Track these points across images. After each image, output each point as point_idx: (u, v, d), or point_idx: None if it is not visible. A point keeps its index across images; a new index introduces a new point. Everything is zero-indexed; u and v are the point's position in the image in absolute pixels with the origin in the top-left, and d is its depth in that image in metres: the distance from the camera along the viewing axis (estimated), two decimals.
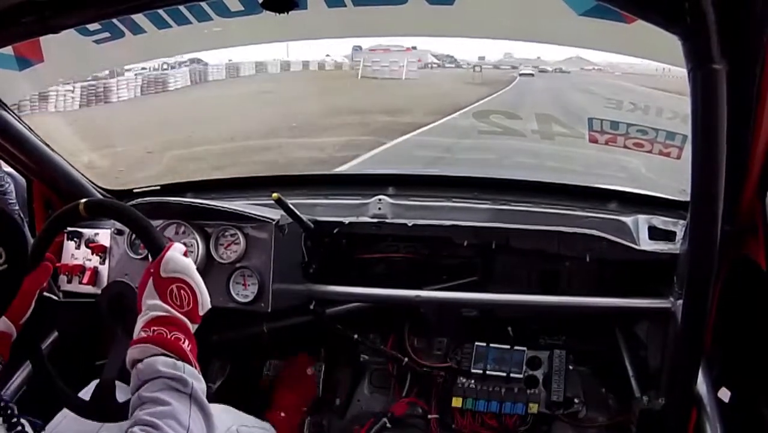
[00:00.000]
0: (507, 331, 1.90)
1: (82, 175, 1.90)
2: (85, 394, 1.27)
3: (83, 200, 1.19)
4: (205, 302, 1.07)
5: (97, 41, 1.53)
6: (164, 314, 1.00)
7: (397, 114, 7.13)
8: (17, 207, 3.16)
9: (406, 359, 1.92)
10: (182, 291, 1.03)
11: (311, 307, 1.77)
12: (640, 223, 1.62)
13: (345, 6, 1.42)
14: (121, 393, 1.26)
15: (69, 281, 1.78)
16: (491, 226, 1.71)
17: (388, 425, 1.91)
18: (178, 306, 1.02)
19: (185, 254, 1.09)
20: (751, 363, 1.38)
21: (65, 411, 1.30)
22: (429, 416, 1.91)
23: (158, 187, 2.04)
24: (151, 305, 1.01)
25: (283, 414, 1.95)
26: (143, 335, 0.98)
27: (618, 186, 1.82)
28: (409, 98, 7.62)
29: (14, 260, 1.03)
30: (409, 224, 1.72)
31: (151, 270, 1.05)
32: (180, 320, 1.01)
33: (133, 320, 1.15)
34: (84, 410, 1.21)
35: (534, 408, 1.78)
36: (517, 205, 1.73)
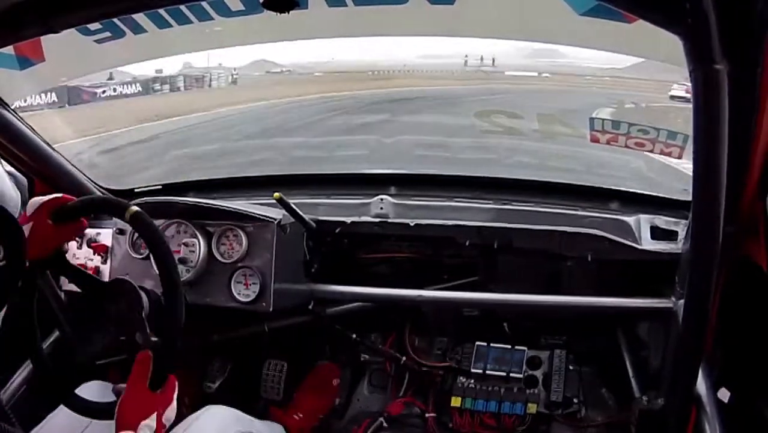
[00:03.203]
0: (508, 330, 1.89)
1: (83, 174, 1.90)
2: (81, 393, 1.28)
3: (135, 208, 1.14)
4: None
5: (98, 41, 1.53)
6: None
7: None
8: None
9: (403, 358, 1.92)
10: None
11: (310, 307, 1.77)
12: (642, 222, 1.61)
13: (346, 6, 1.41)
14: (106, 392, 1.27)
15: (71, 281, 1.78)
16: (493, 225, 1.70)
17: (385, 424, 1.91)
18: None
19: None
20: (752, 364, 1.37)
21: (56, 412, 1.32)
22: (426, 415, 1.91)
23: (160, 187, 2.04)
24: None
25: (298, 417, 1.94)
26: None
27: (620, 186, 1.81)
28: None
29: (13, 256, 1.04)
30: (411, 224, 1.72)
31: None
32: None
33: (133, 316, 1.17)
34: (83, 408, 1.22)
35: (533, 408, 1.78)
36: (519, 205, 1.73)
